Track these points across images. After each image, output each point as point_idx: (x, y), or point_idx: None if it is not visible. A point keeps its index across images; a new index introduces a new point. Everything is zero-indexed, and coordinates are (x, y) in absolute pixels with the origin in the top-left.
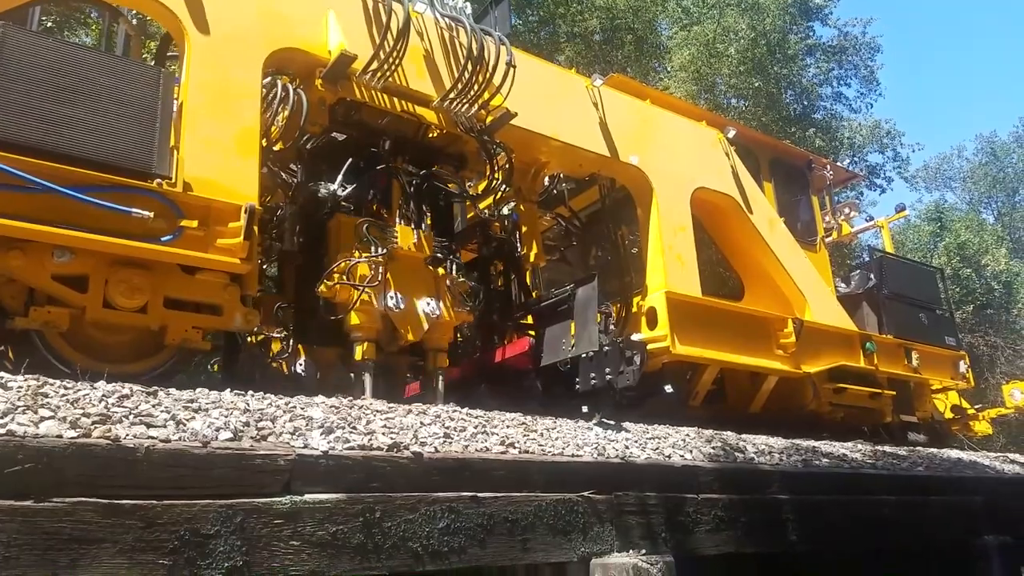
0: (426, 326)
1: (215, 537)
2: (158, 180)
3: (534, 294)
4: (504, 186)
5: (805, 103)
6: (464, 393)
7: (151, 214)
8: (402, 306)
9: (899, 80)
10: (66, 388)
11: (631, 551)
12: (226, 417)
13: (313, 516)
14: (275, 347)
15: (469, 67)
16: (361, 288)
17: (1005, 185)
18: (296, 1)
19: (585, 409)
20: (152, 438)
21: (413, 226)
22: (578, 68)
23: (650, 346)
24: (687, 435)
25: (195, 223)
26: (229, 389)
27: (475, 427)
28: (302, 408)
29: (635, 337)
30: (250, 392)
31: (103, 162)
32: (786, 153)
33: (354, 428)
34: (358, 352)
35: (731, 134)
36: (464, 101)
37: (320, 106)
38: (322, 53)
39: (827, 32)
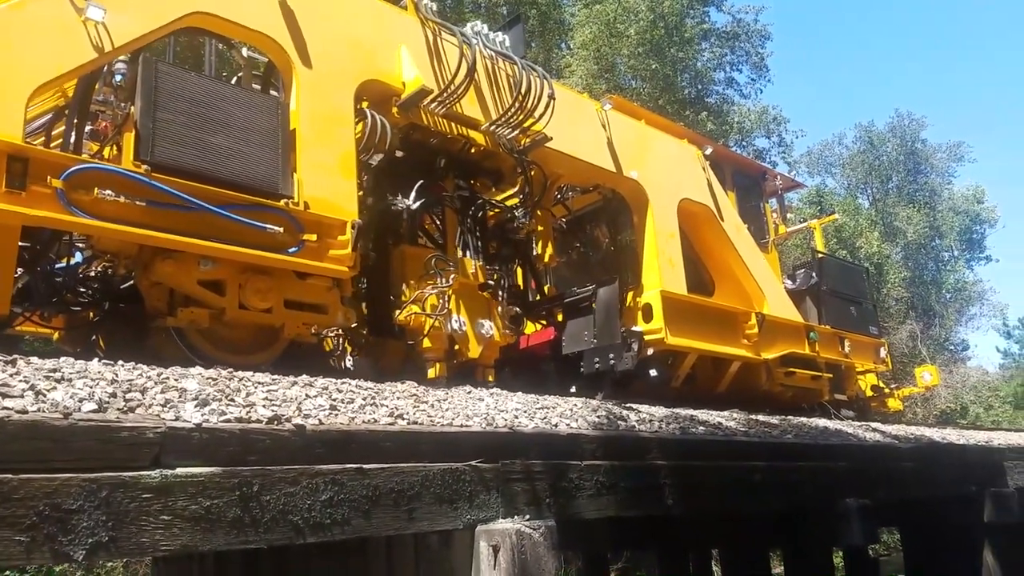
0: (481, 346)
1: (78, 512)
2: (284, 199)
3: (546, 289)
4: (532, 197)
5: (699, 87)
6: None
7: (281, 229)
8: (464, 328)
9: (786, 68)
10: None
11: (516, 517)
12: (91, 388)
13: (185, 490)
14: (327, 345)
15: (519, 99)
16: (434, 317)
17: (880, 172)
18: (376, 38)
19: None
20: (7, 408)
21: (469, 254)
22: None
23: (647, 337)
24: (575, 405)
25: (314, 237)
26: (97, 359)
27: (364, 399)
28: (176, 380)
29: (634, 329)
30: (120, 362)
31: (240, 183)
32: (745, 165)
33: (232, 400)
34: (431, 372)
35: (708, 151)
36: (508, 126)
37: (394, 130)
38: (396, 83)
39: (721, 18)
